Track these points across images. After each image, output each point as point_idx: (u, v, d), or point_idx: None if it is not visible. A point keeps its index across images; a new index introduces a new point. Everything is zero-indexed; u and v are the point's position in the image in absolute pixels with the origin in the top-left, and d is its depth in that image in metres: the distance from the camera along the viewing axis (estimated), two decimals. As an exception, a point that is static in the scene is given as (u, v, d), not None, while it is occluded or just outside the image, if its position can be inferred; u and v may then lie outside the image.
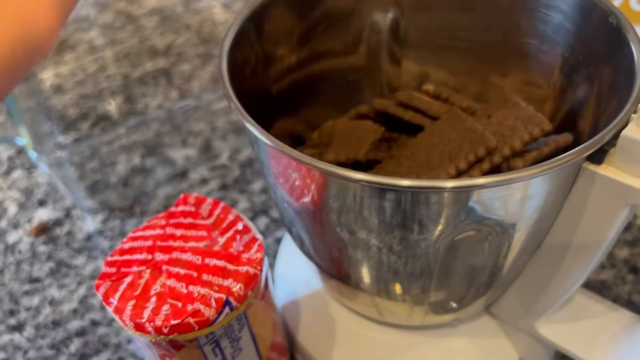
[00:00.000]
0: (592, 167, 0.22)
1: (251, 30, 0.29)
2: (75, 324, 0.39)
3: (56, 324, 0.40)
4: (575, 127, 0.29)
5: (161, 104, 0.55)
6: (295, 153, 0.22)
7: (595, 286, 0.39)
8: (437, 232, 0.24)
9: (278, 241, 0.43)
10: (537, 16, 0.30)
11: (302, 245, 0.30)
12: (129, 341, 0.38)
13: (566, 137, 0.28)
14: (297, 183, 0.24)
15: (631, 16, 0.45)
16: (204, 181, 0.48)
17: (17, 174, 0.51)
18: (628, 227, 0.42)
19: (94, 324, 0.39)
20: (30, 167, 0.51)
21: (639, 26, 0.44)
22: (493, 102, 0.30)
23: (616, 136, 0.21)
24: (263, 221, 0.44)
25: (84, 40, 0.62)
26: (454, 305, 0.29)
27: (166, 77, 0.58)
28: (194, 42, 0.61)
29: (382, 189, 0.22)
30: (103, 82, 0.57)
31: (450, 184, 0.21)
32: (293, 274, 0.37)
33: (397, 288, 0.28)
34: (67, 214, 0.47)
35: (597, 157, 0.22)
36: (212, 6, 0.63)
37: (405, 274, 0.27)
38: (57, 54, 0.61)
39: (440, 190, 0.22)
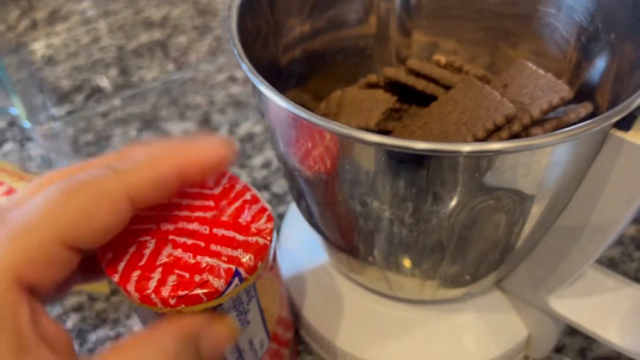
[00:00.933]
0: (620, 134, 0.21)
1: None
2: (72, 300, 0.38)
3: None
4: (593, 101, 0.28)
5: (157, 77, 0.53)
6: (309, 114, 0.21)
7: (603, 263, 0.38)
8: (453, 203, 0.23)
9: (280, 217, 0.42)
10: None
11: (310, 218, 0.29)
12: (128, 317, 0.37)
13: (587, 107, 0.27)
14: (309, 148, 0.23)
15: None
16: (203, 155, 0.47)
17: (9, 146, 0.49)
18: (635, 204, 0.41)
19: (92, 299, 0.38)
20: (22, 140, 0.50)
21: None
22: (510, 71, 0.29)
23: (646, 101, 0.21)
24: (264, 196, 0.43)
25: (76, 11, 0.60)
26: (466, 279, 0.28)
27: (162, 49, 0.56)
28: (190, 14, 0.59)
29: (396, 152, 0.21)
30: (97, 53, 0.56)
31: (467, 148, 0.20)
32: (297, 249, 0.36)
33: (409, 262, 0.27)
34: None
35: (626, 123, 0.21)
36: (209, -23, 0.61)
37: (418, 246, 0.26)
38: (48, 24, 0.59)
39: (460, 154, 0.21)
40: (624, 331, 0.29)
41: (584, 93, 0.29)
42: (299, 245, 0.36)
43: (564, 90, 0.24)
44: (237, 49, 0.23)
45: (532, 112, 0.24)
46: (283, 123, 0.24)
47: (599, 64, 0.28)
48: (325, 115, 0.32)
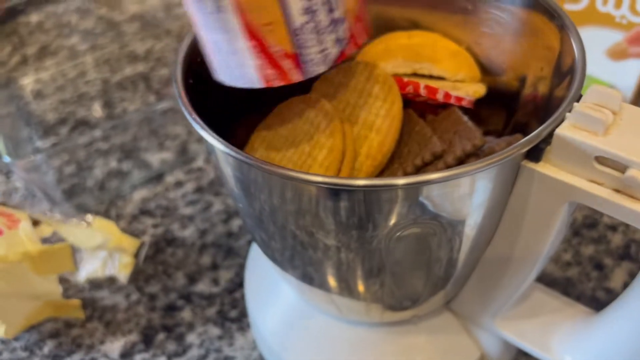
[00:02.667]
0: (531, 165, 0.23)
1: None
2: (48, 326, 0.40)
3: (30, 326, 0.40)
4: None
5: (139, 108, 0.55)
6: (243, 156, 0.22)
7: (561, 283, 0.39)
8: (387, 229, 0.25)
9: (251, 242, 0.43)
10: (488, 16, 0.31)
11: (262, 246, 0.30)
12: (102, 342, 0.39)
13: (517, 137, 0.29)
14: (253, 189, 0.25)
15: (597, 18, 0.45)
16: (179, 184, 0.49)
17: (-5, 178, 0.52)
18: (593, 225, 0.43)
19: (68, 325, 0.40)
20: (8, 172, 0.52)
21: (604, 27, 0.45)
22: (439, 115, 0.30)
23: (551, 134, 0.22)
24: (237, 223, 0.45)
25: (65, 46, 0.63)
26: (410, 301, 0.30)
27: (145, 81, 0.58)
28: (173, 47, 0.62)
29: (336, 190, 0.23)
30: (83, 87, 0.58)
31: (401, 181, 0.22)
32: (262, 273, 0.37)
33: (354, 286, 0.29)
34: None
35: (535, 155, 0.23)
36: (192, 11, 0.63)
37: (361, 271, 0.27)
38: (38, 59, 0.62)
39: (393, 187, 0.22)
40: (565, 351, 0.30)
41: (522, 120, 0.31)
42: (265, 269, 0.37)
43: (476, 138, 0.26)
44: (180, 93, 0.25)
45: (447, 159, 0.26)
46: (226, 164, 0.25)
47: (529, 95, 0.30)
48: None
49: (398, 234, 0.25)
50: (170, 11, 0.66)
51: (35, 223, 0.39)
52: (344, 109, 0.28)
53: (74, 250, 0.39)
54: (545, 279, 0.40)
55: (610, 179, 0.22)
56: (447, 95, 0.29)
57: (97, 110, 0.56)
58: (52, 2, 0.68)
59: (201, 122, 0.24)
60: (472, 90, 0.31)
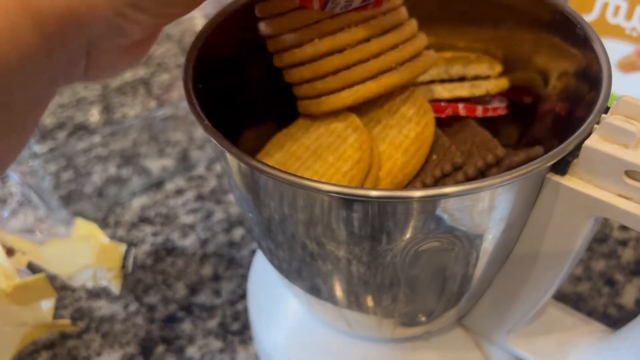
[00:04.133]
0: (556, 178, 0.22)
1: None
2: (44, 337, 0.39)
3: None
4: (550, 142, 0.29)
5: (139, 114, 0.54)
6: (257, 164, 0.21)
7: (571, 298, 0.39)
8: (403, 243, 0.24)
9: (254, 252, 0.42)
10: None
11: (271, 258, 0.29)
12: (99, 354, 0.38)
13: (537, 150, 0.28)
14: (264, 197, 0.24)
15: (607, 29, 0.45)
16: (179, 192, 0.48)
17: (-10, 183, 0.50)
18: (604, 240, 0.42)
19: (64, 336, 0.39)
20: (4, 177, 0.51)
21: (615, 39, 0.45)
22: (455, 126, 0.30)
23: (579, 147, 0.21)
24: (239, 232, 0.44)
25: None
26: (424, 317, 0.29)
27: (145, 86, 0.57)
28: (174, 52, 0.61)
29: (350, 200, 0.22)
30: (81, 91, 0.57)
31: (418, 193, 0.21)
32: (266, 284, 0.36)
33: (365, 300, 0.28)
34: (41, 223, 0.46)
35: (561, 167, 0.22)
36: (194, 17, 0.63)
37: (373, 285, 0.26)
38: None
39: (409, 200, 0.21)
40: (582, 370, 0.29)
41: (541, 134, 0.30)
42: (268, 281, 0.36)
43: (497, 149, 0.25)
44: (191, 99, 0.24)
45: (467, 170, 0.25)
46: (236, 171, 0.24)
47: (552, 106, 0.29)
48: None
49: (414, 248, 0.24)
50: (172, 16, 0.65)
51: (9, 252, 0.38)
52: (374, 127, 0.27)
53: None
54: (555, 295, 0.39)
55: (640, 193, 0.21)
56: (485, 109, 0.28)
57: (95, 115, 0.54)
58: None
59: (212, 128, 0.23)
60: (493, 85, 0.30)
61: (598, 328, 0.30)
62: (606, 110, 0.22)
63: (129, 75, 0.59)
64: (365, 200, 0.22)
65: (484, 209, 0.23)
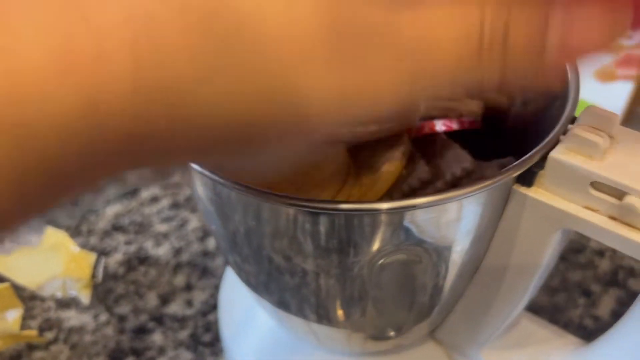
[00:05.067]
0: (523, 190, 0.22)
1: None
2: (10, 349, 0.38)
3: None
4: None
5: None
6: (217, 176, 0.21)
7: (547, 310, 0.38)
8: (371, 256, 0.23)
9: (227, 263, 0.41)
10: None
11: (239, 273, 0.29)
12: (66, 366, 0.37)
13: (509, 161, 0.28)
14: (225, 208, 0.23)
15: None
16: (154, 199, 0.47)
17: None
18: (581, 250, 0.41)
19: (30, 347, 0.38)
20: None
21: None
22: (424, 140, 0.29)
23: (545, 158, 0.21)
24: (213, 241, 0.43)
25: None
26: (394, 331, 0.28)
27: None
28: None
29: (317, 213, 0.21)
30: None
31: (385, 205, 0.21)
32: (237, 296, 0.36)
33: (334, 314, 0.27)
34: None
35: (527, 179, 0.22)
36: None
37: (341, 299, 0.26)
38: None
39: (376, 212, 0.21)
40: (554, 384, 0.28)
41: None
42: (240, 293, 0.35)
43: (466, 161, 0.24)
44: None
45: (436, 184, 0.25)
46: (199, 183, 0.24)
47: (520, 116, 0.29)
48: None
49: (381, 260, 0.23)
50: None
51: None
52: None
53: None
54: (531, 306, 0.38)
55: (607, 205, 0.20)
56: (461, 122, 0.28)
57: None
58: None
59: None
60: (467, 109, 0.30)
61: (572, 341, 0.30)
62: (573, 120, 0.22)
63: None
64: (333, 213, 0.21)
65: (451, 220, 0.22)
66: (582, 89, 0.47)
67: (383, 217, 0.22)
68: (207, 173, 0.21)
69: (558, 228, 0.22)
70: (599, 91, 0.46)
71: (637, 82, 0.44)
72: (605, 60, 0.44)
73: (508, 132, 0.30)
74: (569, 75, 0.24)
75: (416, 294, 0.26)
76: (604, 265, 0.41)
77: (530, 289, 0.26)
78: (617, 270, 0.40)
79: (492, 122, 0.31)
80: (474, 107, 0.30)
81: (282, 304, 0.28)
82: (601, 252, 0.41)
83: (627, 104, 0.46)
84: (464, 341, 0.30)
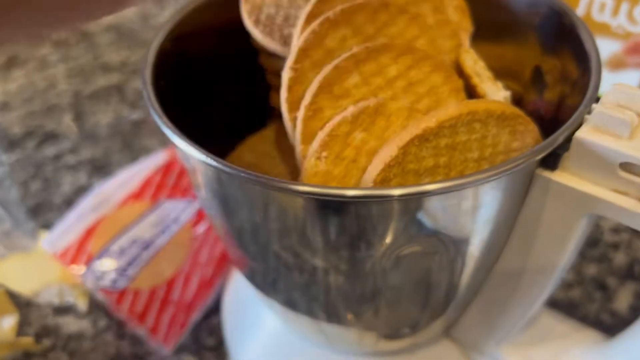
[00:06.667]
0: (546, 174, 0.20)
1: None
2: (6, 357, 0.36)
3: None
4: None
5: (111, 122, 0.52)
6: (223, 164, 0.19)
7: (563, 305, 0.37)
8: (383, 248, 0.22)
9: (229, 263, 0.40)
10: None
11: (244, 271, 0.27)
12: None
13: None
14: (233, 202, 0.22)
15: (593, 27, 0.44)
16: (153, 201, 0.45)
17: (-46, 195, 0.48)
18: (595, 243, 0.40)
19: (27, 355, 0.36)
20: (-32, 188, 0.48)
21: (601, 37, 0.44)
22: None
23: (569, 139, 0.20)
24: (215, 242, 0.42)
25: (35, 56, 0.60)
26: (408, 329, 0.27)
27: (119, 93, 0.55)
28: (150, 58, 0.59)
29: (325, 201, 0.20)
30: (53, 99, 0.55)
31: (397, 191, 0.19)
32: (241, 297, 0.34)
33: (345, 312, 0.26)
34: (6, 237, 0.44)
35: (551, 162, 0.20)
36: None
37: (353, 296, 0.25)
38: (6, 69, 0.58)
39: (388, 199, 0.20)
40: (577, 381, 0.27)
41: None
42: (242, 293, 0.34)
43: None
44: (147, 89, 0.22)
45: None
46: (202, 174, 0.22)
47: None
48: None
49: (395, 253, 0.22)
50: (147, 22, 0.63)
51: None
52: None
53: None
54: (546, 301, 0.37)
55: (637, 188, 0.19)
56: None
57: (66, 123, 0.52)
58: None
59: (170, 124, 0.21)
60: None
61: (592, 335, 0.29)
62: (597, 100, 0.21)
63: (102, 82, 0.57)
64: (341, 201, 0.20)
65: (469, 208, 0.21)
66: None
67: (395, 205, 0.20)
68: (211, 162, 0.19)
69: (585, 213, 0.20)
70: (610, 80, 0.45)
71: (646, 71, 0.43)
72: (615, 48, 0.43)
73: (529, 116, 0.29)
74: (590, 52, 0.23)
75: (432, 289, 0.25)
76: (619, 258, 0.39)
77: (552, 283, 0.24)
78: (633, 263, 0.39)
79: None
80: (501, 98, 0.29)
81: (290, 303, 0.26)
82: (616, 245, 0.40)
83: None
84: (481, 339, 0.29)
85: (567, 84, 0.25)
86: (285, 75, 0.22)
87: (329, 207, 0.20)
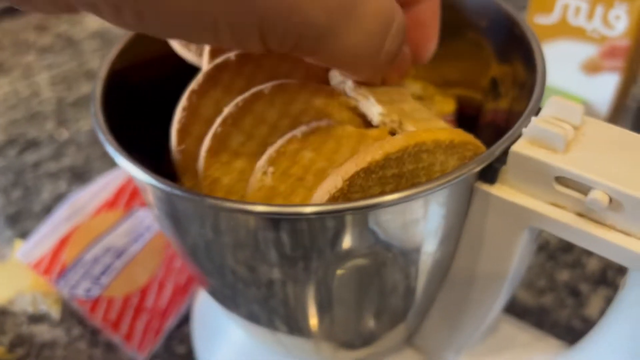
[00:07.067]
0: (485, 187, 0.20)
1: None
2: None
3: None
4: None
5: (93, 129, 0.52)
6: (170, 187, 0.19)
7: (534, 311, 0.37)
8: (333, 259, 0.22)
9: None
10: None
11: (204, 285, 0.28)
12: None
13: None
14: (182, 220, 0.22)
15: (568, 31, 0.44)
16: (131, 208, 0.46)
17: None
18: (569, 249, 0.40)
19: (1, 364, 0.37)
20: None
21: (577, 41, 0.43)
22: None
23: (506, 152, 0.20)
24: (191, 249, 0.42)
25: (20, 64, 0.60)
26: (365, 338, 0.27)
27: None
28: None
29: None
30: (36, 106, 0.55)
31: (344, 206, 0.19)
32: (209, 307, 0.34)
33: (303, 324, 0.26)
34: (-15, 245, 0.44)
35: (490, 175, 0.20)
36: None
37: (305, 307, 0.25)
38: (-10, 78, 0.59)
39: (341, 212, 0.20)
40: (535, 390, 0.27)
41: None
42: (210, 304, 0.34)
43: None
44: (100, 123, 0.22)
45: None
46: (149, 192, 0.22)
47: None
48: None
49: (346, 264, 0.22)
50: (133, 28, 0.64)
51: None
52: None
53: None
54: (517, 307, 0.37)
55: (573, 201, 0.19)
56: None
57: (48, 130, 0.53)
58: (10, 18, 0.66)
59: (113, 142, 0.21)
60: (439, 109, 0.29)
61: (554, 344, 0.29)
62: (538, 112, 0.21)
63: (85, 89, 0.57)
64: (292, 218, 0.20)
65: (413, 221, 0.21)
66: (569, 83, 0.46)
67: (345, 219, 0.20)
68: (160, 185, 0.20)
69: (525, 226, 0.20)
70: (586, 84, 0.45)
71: (624, 74, 0.43)
72: (591, 52, 0.43)
73: (484, 128, 0.29)
74: (537, 62, 0.23)
75: (386, 298, 0.25)
76: (593, 264, 0.39)
77: (503, 290, 0.24)
78: (606, 268, 0.39)
79: (468, 118, 0.30)
80: (446, 107, 0.29)
81: (249, 316, 0.27)
82: (590, 250, 0.40)
83: (614, 96, 0.45)
84: (442, 346, 0.29)
85: (518, 92, 0.25)
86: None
87: (282, 224, 0.20)
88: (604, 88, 0.45)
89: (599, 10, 0.42)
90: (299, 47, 0.18)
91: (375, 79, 0.22)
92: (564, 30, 0.44)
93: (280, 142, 0.22)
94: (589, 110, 0.46)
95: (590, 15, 0.42)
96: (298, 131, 0.21)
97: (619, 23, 0.41)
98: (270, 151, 0.22)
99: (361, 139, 0.21)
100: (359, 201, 0.19)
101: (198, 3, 0.16)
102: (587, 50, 0.43)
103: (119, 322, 0.37)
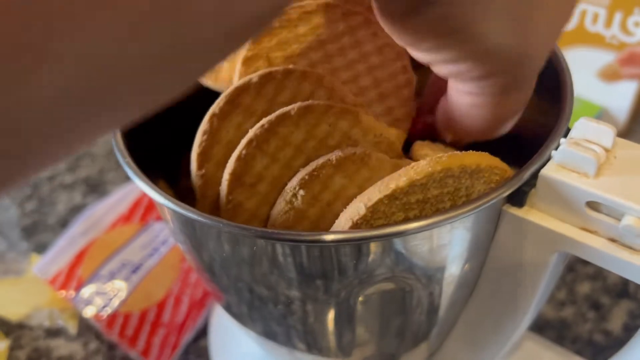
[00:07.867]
0: (513, 211, 0.20)
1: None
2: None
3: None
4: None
5: (108, 139, 0.52)
6: (191, 211, 0.19)
7: (555, 325, 0.36)
8: (356, 284, 0.22)
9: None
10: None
11: (221, 302, 0.27)
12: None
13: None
14: (195, 233, 0.22)
15: (586, 38, 0.43)
16: (146, 220, 0.45)
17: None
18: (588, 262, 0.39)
19: (18, 380, 0.37)
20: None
21: (595, 48, 0.43)
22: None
23: (536, 175, 0.19)
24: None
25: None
26: (387, 356, 0.27)
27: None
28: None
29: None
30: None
31: (365, 234, 0.19)
32: (226, 323, 0.34)
33: (322, 343, 0.25)
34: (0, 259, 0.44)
35: (518, 199, 0.20)
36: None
37: (329, 327, 0.24)
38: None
39: (364, 240, 0.19)
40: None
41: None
42: (228, 319, 0.34)
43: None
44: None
45: None
46: (176, 220, 0.22)
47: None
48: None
49: (369, 289, 0.22)
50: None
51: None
52: None
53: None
54: (538, 320, 0.36)
55: (605, 227, 0.19)
56: None
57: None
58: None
59: (134, 166, 0.21)
60: None
61: (579, 362, 0.28)
62: (568, 132, 0.20)
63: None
64: (314, 245, 0.20)
65: (437, 247, 0.21)
66: (587, 90, 0.45)
67: (364, 246, 0.20)
68: (179, 210, 0.19)
69: (554, 251, 0.20)
70: (604, 91, 0.45)
71: (642, 81, 0.42)
72: (609, 59, 0.43)
73: (505, 141, 0.28)
74: (566, 80, 0.22)
75: (408, 319, 0.25)
76: (614, 276, 0.39)
77: (529, 312, 0.24)
78: (628, 281, 0.38)
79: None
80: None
81: (265, 333, 0.26)
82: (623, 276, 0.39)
83: (633, 104, 0.44)
84: (464, 365, 0.28)
85: (543, 103, 0.24)
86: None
87: (304, 249, 0.20)
88: (623, 95, 0.44)
89: (618, 16, 0.41)
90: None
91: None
92: (582, 37, 0.43)
93: (313, 166, 0.21)
94: (607, 118, 0.45)
95: (609, 22, 0.42)
96: (333, 156, 0.21)
97: (638, 30, 0.41)
98: (303, 174, 0.21)
99: (394, 169, 0.21)
100: (382, 228, 0.19)
101: None
102: (605, 57, 0.43)
103: (135, 338, 0.37)
